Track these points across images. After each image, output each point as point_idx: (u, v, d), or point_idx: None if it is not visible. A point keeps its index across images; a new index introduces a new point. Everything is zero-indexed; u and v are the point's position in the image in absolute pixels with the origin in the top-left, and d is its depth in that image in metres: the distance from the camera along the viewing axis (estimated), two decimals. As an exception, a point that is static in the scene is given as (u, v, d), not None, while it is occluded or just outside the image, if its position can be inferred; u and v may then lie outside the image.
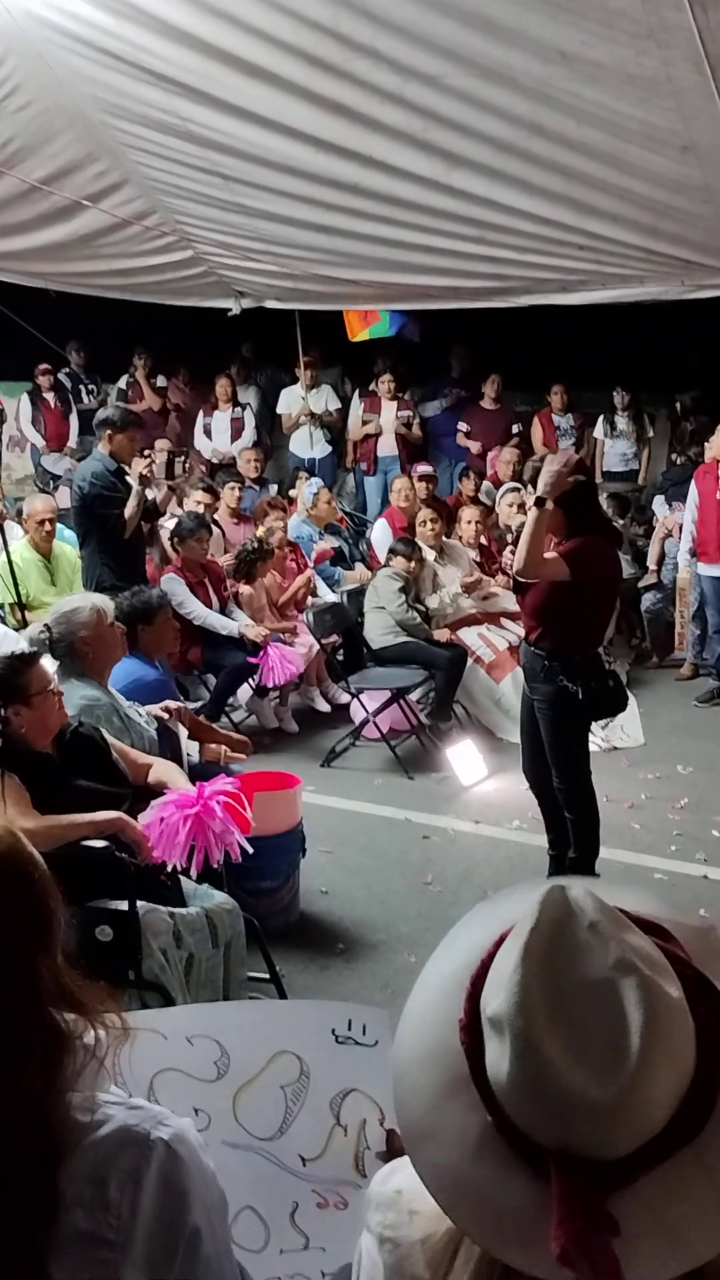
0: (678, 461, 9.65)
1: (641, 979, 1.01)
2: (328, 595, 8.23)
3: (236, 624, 7.08)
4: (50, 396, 11.62)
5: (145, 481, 6.45)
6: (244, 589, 7.66)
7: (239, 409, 11.30)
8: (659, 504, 9.39)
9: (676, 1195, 1.01)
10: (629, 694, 5.01)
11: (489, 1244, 1.05)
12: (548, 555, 4.58)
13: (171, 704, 4.68)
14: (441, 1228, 1.13)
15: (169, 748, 4.40)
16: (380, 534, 8.85)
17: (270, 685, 7.21)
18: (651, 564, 9.10)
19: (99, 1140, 1.14)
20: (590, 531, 4.70)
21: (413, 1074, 1.13)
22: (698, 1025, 1.04)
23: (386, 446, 10.92)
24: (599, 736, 7.18)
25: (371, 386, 11.26)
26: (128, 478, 6.63)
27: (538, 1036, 1.00)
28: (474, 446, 10.79)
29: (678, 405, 10.40)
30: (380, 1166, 1.54)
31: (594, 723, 5.15)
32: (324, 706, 7.93)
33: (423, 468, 9.85)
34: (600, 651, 4.97)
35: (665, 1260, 0.99)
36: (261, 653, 6.97)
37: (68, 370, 11.85)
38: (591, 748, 6.88)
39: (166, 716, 4.57)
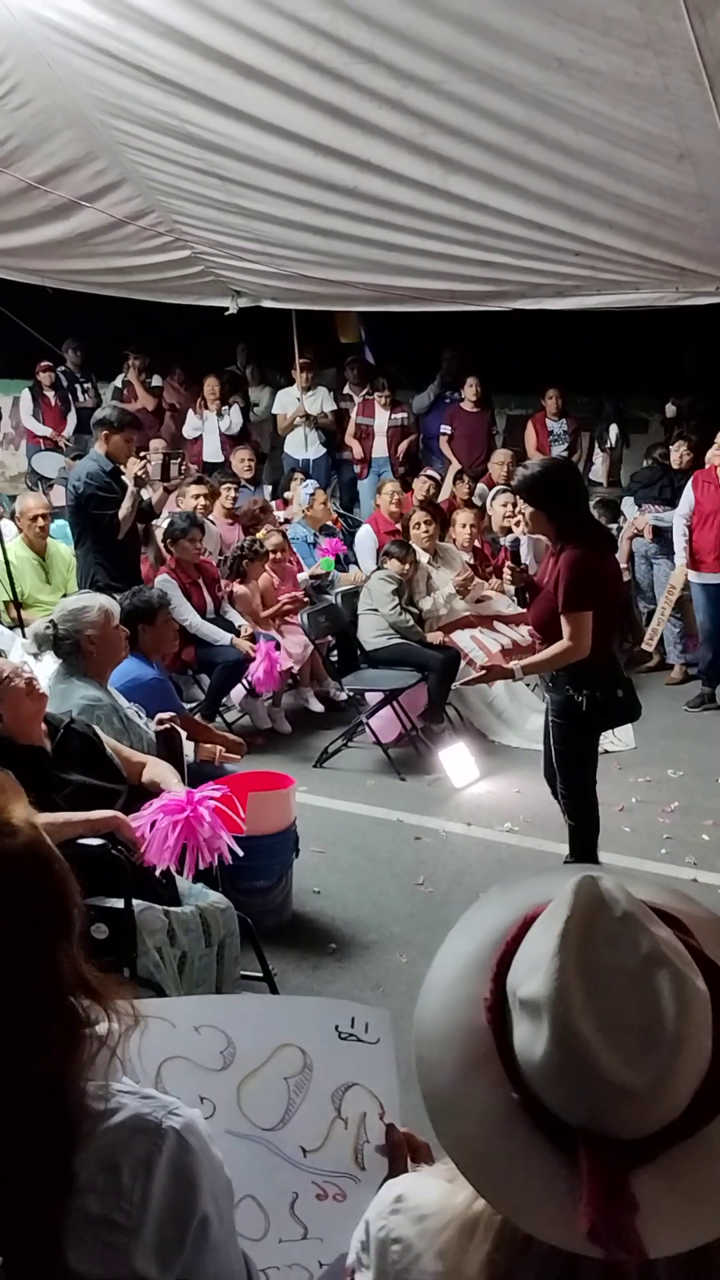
0: (645, 464, 9.67)
1: (673, 971, 1.06)
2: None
3: (228, 635, 7.10)
4: (51, 394, 11.64)
5: (140, 482, 6.45)
6: (238, 588, 7.68)
7: (229, 408, 11.30)
8: (628, 505, 9.43)
9: (694, 1169, 1.06)
10: (639, 702, 4.90)
11: (513, 1215, 1.08)
12: (563, 639, 4.56)
13: (165, 715, 4.68)
14: (449, 1219, 1.17)
15: (170, 750, 4.40)
16: (364, 541, 8.85)
17: (262, 694, 7.25)
18: (622, 561, 9.15)
19: (112, 1128, 1.17)
20: (579, 538, 4.56)
21: (434, 1049, 1.17)
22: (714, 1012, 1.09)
23: (380, 449, 10.96)
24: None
25: (346, 390, 11.37)
26: (124, 478, 6.65)
27: (576, 1020, 1.04)
28: (455, 460, 10.79)
29: (671, 410, 10.43)
30: (380, 1159, 1.57)
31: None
32: (317, 707, 7.95)
33: (427, 471, 9.86)
34: (613, 660, 4.85)
35: (683, 1231, 1.04)
36: (253, 661, 6.99)
37: (63, 369, 11.86)
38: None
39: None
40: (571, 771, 4.89)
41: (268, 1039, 1.61)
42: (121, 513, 6.40)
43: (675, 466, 8.84)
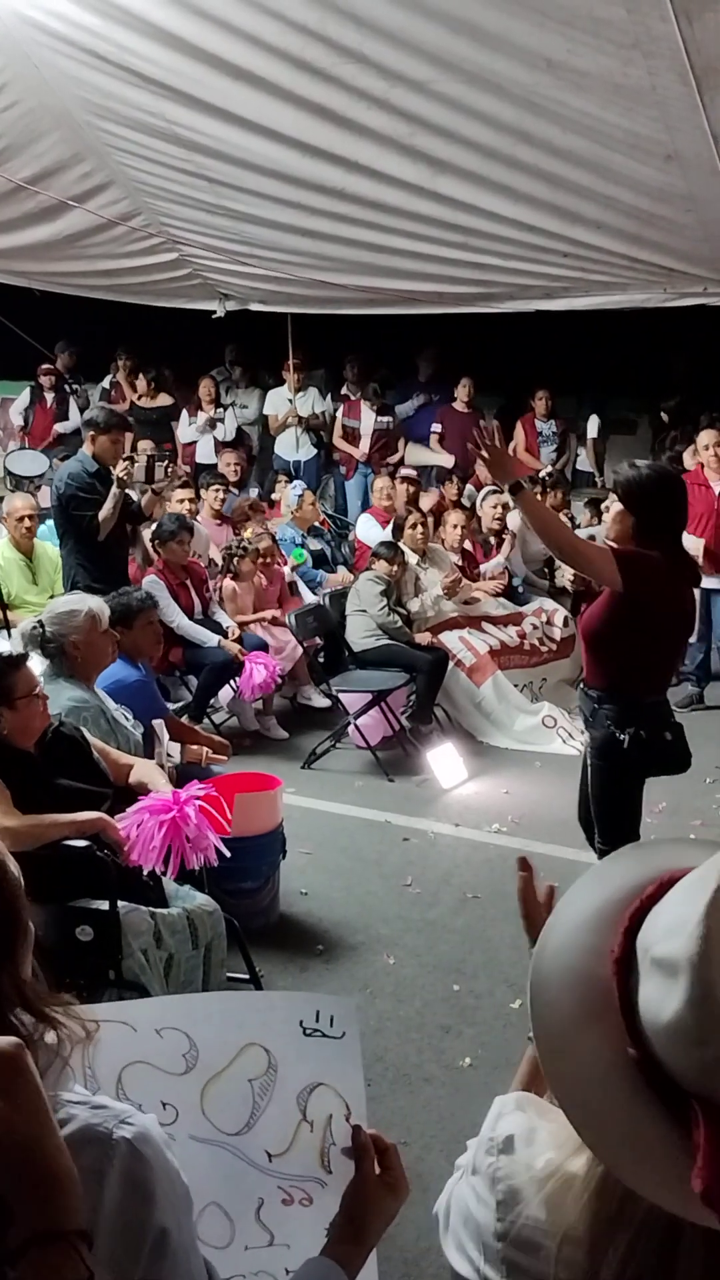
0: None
1: None
2: (309, 597, 8.25)
3: (216, 637, 7.08)
4: (49, 396, 11.64)
5: (123, 484, 6.40)
6: (228, 585, 7.67)
7: (220, 410, 11.30)
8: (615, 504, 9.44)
9: None
10: (689, 750, 4.28)
11: (615, 1167, 1.09)
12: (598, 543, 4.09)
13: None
14: (553, 1169, 1.18)
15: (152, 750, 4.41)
16: (367, 529, 8.89)
17: (247, 700, 7.24)
18: None
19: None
20: (664, 552, 4.06)
21: (551, 989, 1.18)
22: None
23: (364, 451, 10.96)
24: (578, 741, 7.22)
25: (344, 391, 11.42)
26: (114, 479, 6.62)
27: (717, 986, 1.04)
28: (445, 461, 10.81)
29: (662, 414, 10.47)
30: (346, 1162, 1.55)
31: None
32: (323, 702, 7.88)
33: (406, 471, 9.88)
34: (664, 700, 4.30)
35: None
36: (242, 669, 6.98)
37: (53, 370, 11.85)
38: (571, 752, 6.99)
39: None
40: (610, 820, 4.32)
41: (231, 1039, 1.59)
42: (102, 514, 6.34)
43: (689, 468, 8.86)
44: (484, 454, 4.19)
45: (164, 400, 11.51)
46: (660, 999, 1.07)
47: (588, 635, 4.24)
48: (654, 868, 1.22)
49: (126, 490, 6.50)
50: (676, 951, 1.07)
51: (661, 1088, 1.08)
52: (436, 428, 11.02)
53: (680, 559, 4.16)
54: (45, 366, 11.52)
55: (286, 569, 8.36)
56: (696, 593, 7.81)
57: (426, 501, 9.14)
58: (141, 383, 11.53)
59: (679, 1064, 1.07)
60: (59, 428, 11.62)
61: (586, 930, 1.20)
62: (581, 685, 4.32)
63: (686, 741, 4.26)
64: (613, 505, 4.16)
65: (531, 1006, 1.19)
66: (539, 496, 6.09)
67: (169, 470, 7.15)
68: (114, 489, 6.34)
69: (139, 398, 11.50)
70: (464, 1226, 1.28)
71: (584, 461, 10.88)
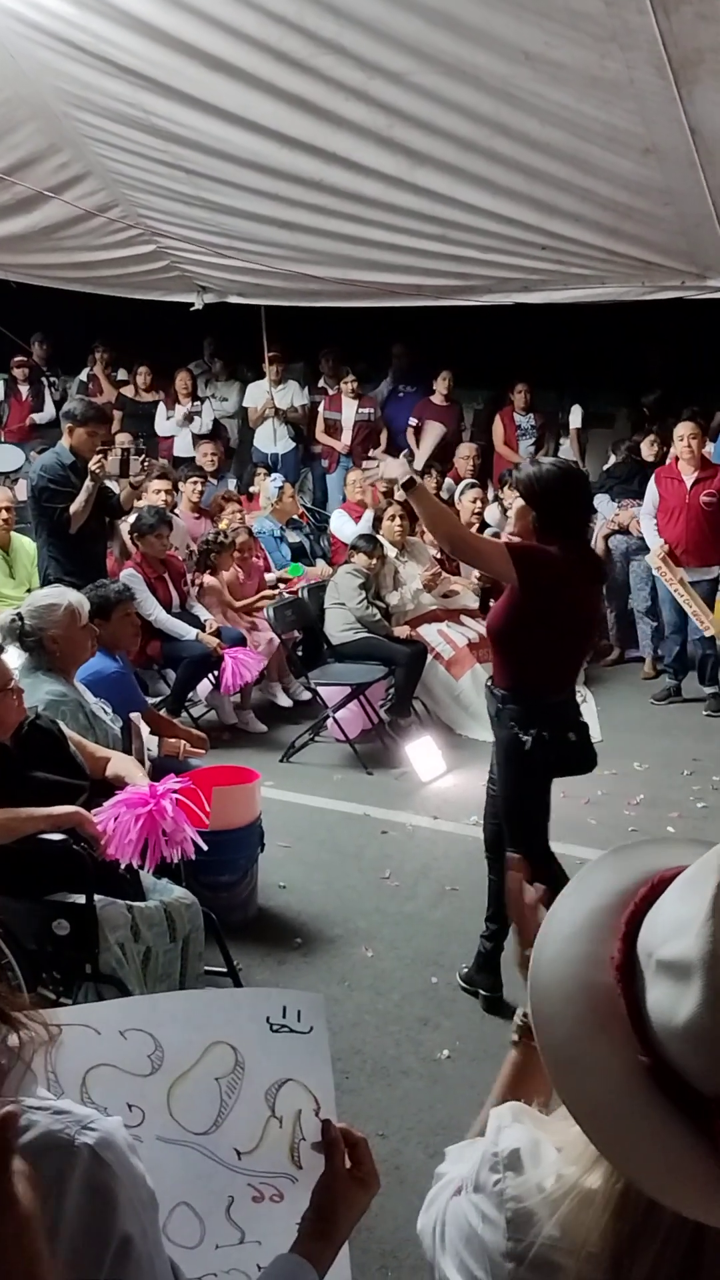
0: (616, 459, 9.70)
1: None
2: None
3: (194, 630, 7.07)
4: (24, 389, 11.57)
5: (96, 477, 6.35)
6: (208, 579, 7.66)
7: (198, 403, 11.28)
8: (602, 502, 9.43)
9: None
10: (595, 750, 4.28)
11: (638, 1179, 1.07)
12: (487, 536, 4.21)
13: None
14: (566, 1189, 1.15)
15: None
16: (340, 524, 8.90)
17: (224, 694, 7.24)
18: None
19: (21, 1148, 1.08)
20: (564, 547, 3.99)
21: (553, 1003, 1.16)
22: None
23: (347, 443, 10.96)
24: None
25: (320, 383, 11.41)
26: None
27: None
28: (420, 453, 10.79)
29: (644, 408, 10.48)
30: (317, 1156, 1.54)
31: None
32: (285, 701, 7.94)
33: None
34: (569, 701, 4.26)
35: None
36: (220, 662, 6.98)
37: (30, 361, 11.80)
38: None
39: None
40: (517, 822, 4.24)
41: (197, 1038, 1.57)
42: (73, 507, 6.30)
43: (650, 460, 8.89)
44: (367, 467, 4.30)
45: (158, 394, 11.50)
46: (672, 1003, 1.05)
47: (491, 633, 4.22)
48: (639, 870, 1.20)
49: (105, 484, 6.47)
50: (686, 953, 1.05)
51: (678, 1093, 1.06)
52: (414, 420, 11.01)
53: (584, 555, 4.12)
54: (19, 359, 11.46)
55: (270, 576, 8.37)
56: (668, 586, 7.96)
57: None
58: (143, 376, 11.52)
59: (696, 1067, 1.05)
60: (35, 418, 11.58)
61: (581, 940, 1.18)
62: (488, 684, 4.27)
63: (591, 742, 4.26)
64: (515, 502, 4.14)
65: (534, 1023, 1.17)
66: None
67: (144, 464, 7.11)
68: (87, 482, 6.29)
69: (135, 394, 11.49)
70: (466, 1246, 1.25)
71: (567, 451, 10.89)
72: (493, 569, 4.03)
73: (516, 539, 4.11)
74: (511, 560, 3.89)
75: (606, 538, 9.06)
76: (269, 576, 8.35)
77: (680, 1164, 1.04)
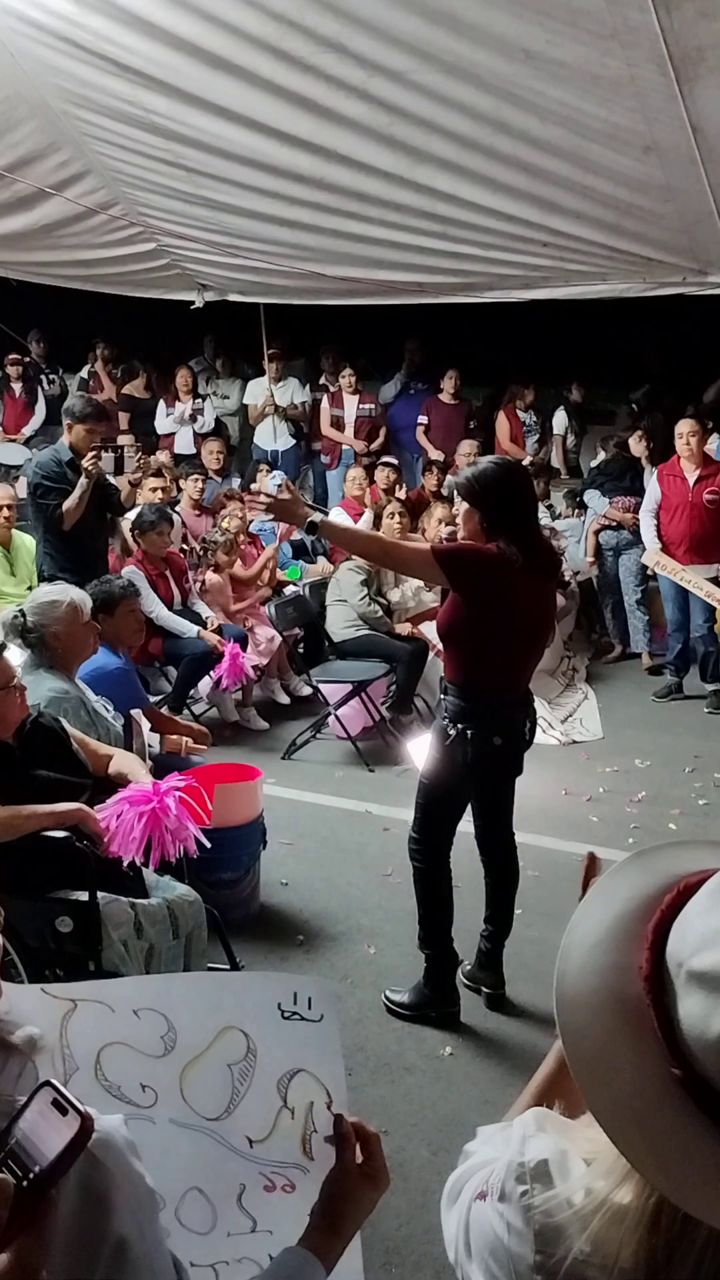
0: (606, 455, 9.71)
1: None
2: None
3: (195, 628, 7.08)
4: (17, 386, 11.57)
5: (90, 475, 6.34)
6: (211, 577, 7.67)
7: (199, 401, 11.28)
8: (592, 497, 9.43)
9: None
10: (523, 763, 4.25)
11: (673, 1194, 1.05)
12: (413, 542, 4.04)
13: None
14: (597, 1205, 1.13)
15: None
16: (339, 518, 8.89)
17: (225, 690, 7.24)
18: (589, 556, 9.20)
19: None
20: (510, 543, 3.88)
21: (579, 1014, 1.14)
22: None
23: (348, 440, 10.97)
24: (558, 731, 7.25)
25: (322, 380, 11.42)
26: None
27: None
28: (432, 451, 10.81)
29: (633, 405, 10.50)
30: (328, 1149, 1.54)
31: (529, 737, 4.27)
32: (284, 699, 7.95)
33: (385, 458, 9.89)
34: (509, 704, 4.12)
35: None
36: (221, 658, 6.98)
37: (28, 359, 11.79)
38: (550, 742, 7.01)
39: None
40: (424, 811, 4.22)
41: (209, 1022, 1.57)
42: (66, 504, 6.29)
43: (638, 456, 8.90)
44: (265, 508, 4.19)
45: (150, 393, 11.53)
46: (706, 1014, 1.03)
47: (439, 631, 4.16)
48: (661, 875, 1.17)
49: (106, 481, 6.47)
50: (719, 965, 1.03)
51: (712, 1106, 1.04)
52: (423, 419, 11.02)
53: (533, 548, 3.95)
54: (13, 356, 11.45)
55: (273, 548, 8.39)
56: (670, 583, 7.95)
57: (405, 491, 9.16)
58: (143, 378, 11.55)
59: None
60: (25, 431, 11.57)
61: (606, 949, 1.15)
62: (441, 676, 4.20)
63: (520, 752, 4.19)
64: (459, 506, 4.06)
65: (562, 1037, 1.15)
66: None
67: (140, 462, 7.12)
68: (82, 479, 6.29)
69: (144, 392, 11.52)
70: (491, 1255, 1.22)
71: (554, 456, 10.95)
72: (424, 575, 3.98)
73: (445, 542, 4.05)
74: (437, 563, 3.85)
75: (597, 533, 9.08)
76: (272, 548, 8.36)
77: (715, 1178, 1.03)
